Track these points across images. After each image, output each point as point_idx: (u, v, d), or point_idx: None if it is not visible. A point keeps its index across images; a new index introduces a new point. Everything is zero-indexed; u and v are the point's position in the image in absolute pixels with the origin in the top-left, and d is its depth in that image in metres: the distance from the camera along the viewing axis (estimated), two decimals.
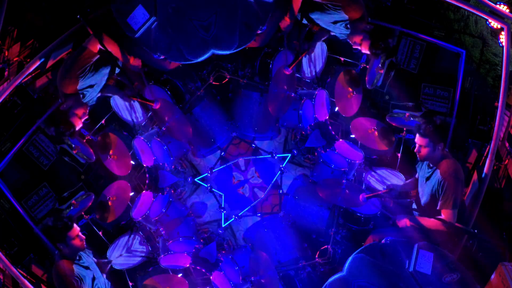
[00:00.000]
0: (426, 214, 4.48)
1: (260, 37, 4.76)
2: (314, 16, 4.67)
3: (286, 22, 4.64)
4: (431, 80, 5.83)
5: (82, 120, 4.45)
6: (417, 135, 4.32)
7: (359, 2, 4.48)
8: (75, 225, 4.23)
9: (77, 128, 4.41)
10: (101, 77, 4.59)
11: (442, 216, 4.21)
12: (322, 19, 4.65)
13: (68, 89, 4.36)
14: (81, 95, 4.44)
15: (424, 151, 4.30)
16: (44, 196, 5.62)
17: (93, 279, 4.33)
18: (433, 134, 4.21)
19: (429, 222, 4.28)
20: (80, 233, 4.26)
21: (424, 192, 4.53)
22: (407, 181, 4.90)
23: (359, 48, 4.54)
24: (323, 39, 4.94)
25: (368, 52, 4.48)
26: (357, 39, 4.46)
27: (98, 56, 4.47)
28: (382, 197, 4.81)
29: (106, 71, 4.59)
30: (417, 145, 4.35)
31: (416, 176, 4.70)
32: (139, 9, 4.27)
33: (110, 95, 4.91)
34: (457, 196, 4.22)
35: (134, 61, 4.66)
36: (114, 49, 4.54)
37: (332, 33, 4.77)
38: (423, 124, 4.27)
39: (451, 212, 4.20)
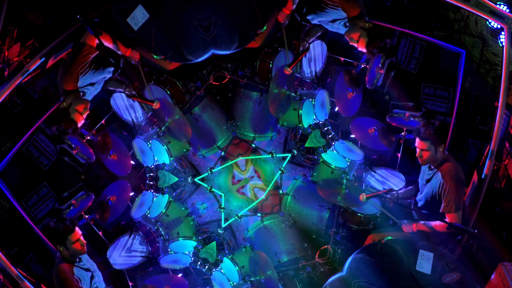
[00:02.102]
0: (426, 214, 4.48)
1: (260, 37, 4.76)
2: (313, 15, 4.67)
3: (284, 13, 4.62)
4: (431, 80, 5.83)
5: (84, 116, 4.44)
6: (417, 139, 4.30)
7: (359, 3, 4.48)
8: (77, 228, 4.23)
9: (79, 125, 4.40)
10: (101, 76, 4.58)
11: (447, 219, 4.20)
12: (321, 18, 4.65)
13: (69, 86, 4.35)
14: (81, 93, 4.43)
15: (426, 154, 4.29)
16: (44, 196, 5.62)
17: (91, 277, 4.34)
18: (434, 136, 4.20)
19: (435, 226, 4.27)
20: (81, 238, 4.25)
21: (424, 193, 4.53)
22: (408, 188, 4.90)
23: (356, 45, 4.53)
24: (318, 34, 4.93)
25: (364, 50, 4.48)
26: (355, 35, 4.46)
27: (98, 52, 4.46)
28: (382, 197, 4.81)
29: (106, 69, 4.58)
30: (418, 150, 4.34)
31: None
32: (139, 9, 4.26)
33: (111, 88, 4.89)
34: (459, 199, 4.22)
35: (132, 53, 4.63)
36: (111, 43, 4.52)
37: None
38: (422, 128, 4.27)
39: (455, 215, 4.19)
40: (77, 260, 4.27)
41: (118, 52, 4.58)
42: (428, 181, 4.47)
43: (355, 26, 4.43)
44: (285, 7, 4.56)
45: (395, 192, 4.82)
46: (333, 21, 4.61)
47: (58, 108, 4.37)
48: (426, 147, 4.25)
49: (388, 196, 4.67)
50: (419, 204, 4.63)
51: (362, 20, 4.40)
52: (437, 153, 4.27)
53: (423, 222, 4.40)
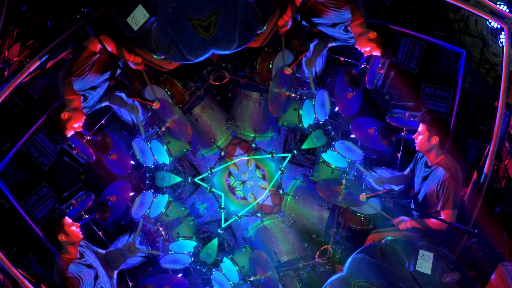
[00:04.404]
0: (424, 213, 4.49)
1: (260, 37, 4.76)
2: (313, 18, 4.67)
3: (284, 20, 4.64)
4: (431, 80, 5.83)
5: (75, 128, 4.45)
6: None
7: (360, 6, 4.49)
8: (66, 216, 4.24)
9: (68, 136, 4.41)
10: (102, 79, 4.58)
11: (442, 216, 4.22)
12: (322, 21, 4.65)
13: (68, 91, 4.36)
14: (82, 97, 4.43)
15: (419, 138, 4.35)
16: (44, 196, 5.62)
17: (96, 277, 4.33)
18: (430, 122, 4.24)
19: (429, 223, 4.29)
20: (73, 222, 4.26)
21: (421, 192, 4.54)
22: (394, 175, 4.93)
23: (372, 54, 4.56)
24: (323, 52, 4.98)
25: (379, 54, 4.49)
26: (368, 48, 4.49)
27: (98, 55, 4.47)
28: (382, 197, 4.82)
29: (107, 72, 4.58)
30: (417, 133, 4.41)
31: (405, 173, 4.73)
32: (139, 9, 4.27)
33: (115, 106, 4.92)
34: (457, 197, 4.23)
35: (135, 59, 4.65)
36: (113, 48, 4.53)
37: (331, 45, 4.81)
38: (425, 113, 4.34)
39: (451, 212, 4.21)
40: (78, 256, 4.26)
41: (121, 57, 4.59)
42: (424, 178, 4.48)
43: (363, 40, 4.45)
44: (285, 14, 4.59)
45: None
46: (333, 25, 4.61)
47: (54, 112, 4.36)
48: (421, 130, 4.31)
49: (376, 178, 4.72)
50: (419, 201, 4.63)
51: (366, 30, 4.41)
52: (430, 142, 4.29)
53: (415, 214, 4.44)
